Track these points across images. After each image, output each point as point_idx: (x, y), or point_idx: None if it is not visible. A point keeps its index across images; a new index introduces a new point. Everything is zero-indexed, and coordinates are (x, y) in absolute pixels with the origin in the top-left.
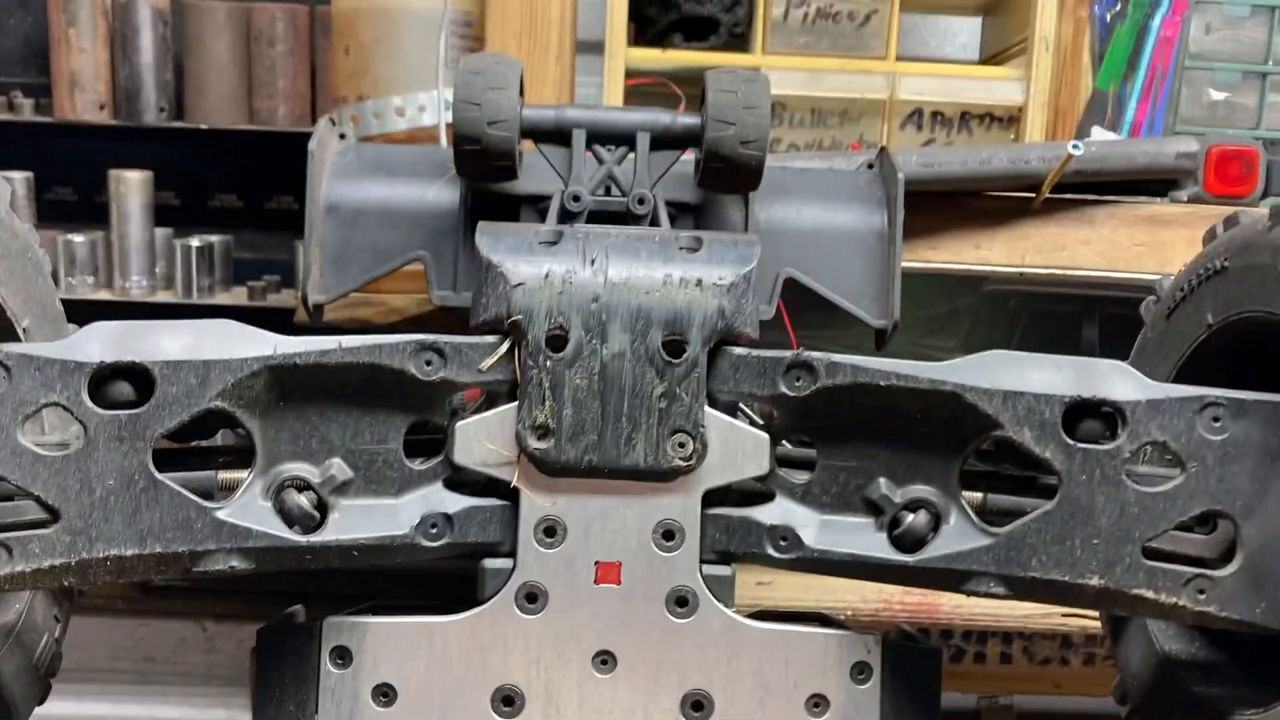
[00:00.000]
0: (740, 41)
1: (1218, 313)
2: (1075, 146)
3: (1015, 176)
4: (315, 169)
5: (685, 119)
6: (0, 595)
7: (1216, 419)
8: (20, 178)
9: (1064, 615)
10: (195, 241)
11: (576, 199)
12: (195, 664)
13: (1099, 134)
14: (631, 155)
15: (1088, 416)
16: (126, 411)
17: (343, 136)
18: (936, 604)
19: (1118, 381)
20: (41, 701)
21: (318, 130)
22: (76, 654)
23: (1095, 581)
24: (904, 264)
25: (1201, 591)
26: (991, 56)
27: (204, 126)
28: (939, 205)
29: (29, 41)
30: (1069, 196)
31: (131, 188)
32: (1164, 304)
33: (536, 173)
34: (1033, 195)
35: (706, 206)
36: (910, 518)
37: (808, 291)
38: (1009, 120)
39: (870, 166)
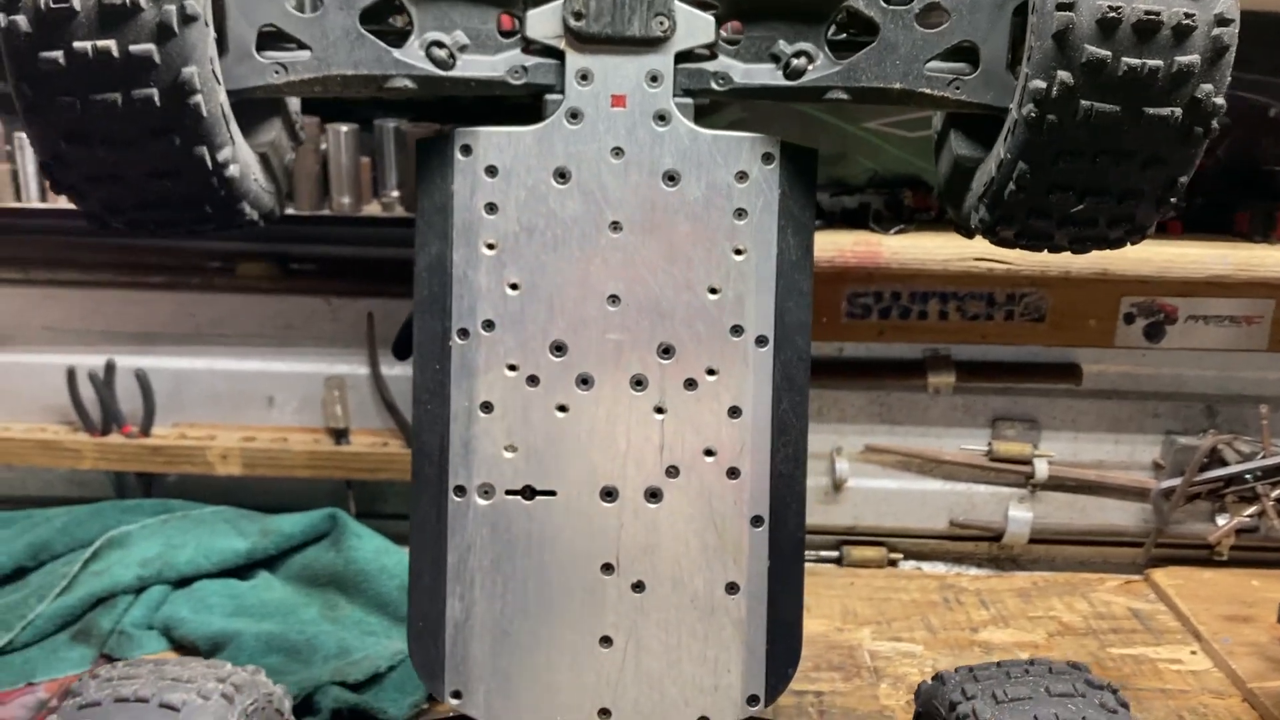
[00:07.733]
0: None
1: None
2: None
3: None
4: None
5: None
6: (265, 119)
7: None
8: None
9: (976, 259)
10: None
11: None
12: (323, 330)
13: None
14: None
15: None
16: None
17: None
18: (878, 252)
19: None
20: (283, 206)
21: None
22: (234, 322)
23: (898, 85)
24: None
25: (958, 88)
26: None
27: None
28: None
29: None
30: None
31: None
32: None
33: None
34: None
35: None
36: (795, 60)
37: None
38: None
39: None
